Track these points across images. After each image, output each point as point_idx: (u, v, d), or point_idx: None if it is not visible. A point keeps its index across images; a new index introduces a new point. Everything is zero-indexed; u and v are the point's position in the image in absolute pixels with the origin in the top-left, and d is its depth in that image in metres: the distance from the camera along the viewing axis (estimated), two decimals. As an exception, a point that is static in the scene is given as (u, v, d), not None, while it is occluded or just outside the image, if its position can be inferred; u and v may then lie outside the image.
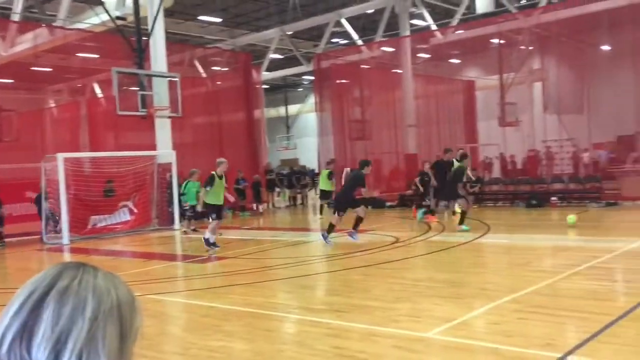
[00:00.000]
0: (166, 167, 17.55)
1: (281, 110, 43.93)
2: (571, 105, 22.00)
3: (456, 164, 15.33)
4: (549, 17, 20.74)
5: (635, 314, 5.86)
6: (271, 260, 11.03)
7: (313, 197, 25.71)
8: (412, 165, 23.48)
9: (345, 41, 31.23)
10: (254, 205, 21.61)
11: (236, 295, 8.03)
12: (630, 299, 6.57)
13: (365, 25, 28.49)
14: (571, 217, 13.00)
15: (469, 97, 27.71)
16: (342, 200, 12.19)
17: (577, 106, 21.85)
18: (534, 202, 18.24)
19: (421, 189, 17.07)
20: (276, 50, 31.67)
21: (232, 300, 7.63)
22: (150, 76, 17.06)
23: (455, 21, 24.83)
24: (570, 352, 4.81)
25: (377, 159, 25.56)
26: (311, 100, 34.88)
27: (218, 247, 11.83)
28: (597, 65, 22.32)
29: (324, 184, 19.23)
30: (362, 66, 26.54)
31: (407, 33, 25.37)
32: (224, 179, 11.96)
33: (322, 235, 12.04)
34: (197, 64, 24.06)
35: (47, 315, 0.90)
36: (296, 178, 24.77)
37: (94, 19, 19.33)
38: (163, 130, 17.85)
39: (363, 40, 27.76)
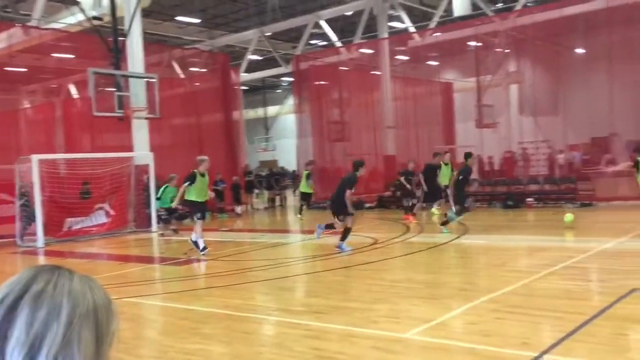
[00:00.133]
0: (143, 169, 17.39)
1: (260, 112, 43.82)
2: (546, 107, 22.32)
3: (444, 167, 15.50)
4: (525, 20, 21.01)
5: (609, 313, 5.96)
6: (250, 262, 10.99)
7: (292, 198, 25.68)
8: (391, 167, 23.61)
9: (324, 43, 31.30)
10: (234, 207, 21.52)
11: (214, 298, 7.98)
12: (605, 298, 6.67)
13: (344, 27, 28.57)
14: (568, 216, 12.96)
15: (447, 99, 27.94)
16: (338, 203, 11.43)
17: (552, 108, 22.18)
18: (510, 203, 18.46)
19: (408, 186, 17.19)
20: (255, 52, 31.61)
21: (210, 303, 7.59)
22: (127, 77, 16.89)
23: (433, 24, 25.03)
24: (546, 351, 4.87)
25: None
26: (290, 101, 34.89)
27: (207, 249, 11.45)
28: (572, 68, 22.67)
29: (303, 185, 19.35)
30: (341, 68, 26.60)
31: (386, 35, 25.50)
32: (206, 176, 11.72)
33: (338, 247, 11.17)
34: (175, 64, 23.89)
35: (21, 319, 0.88)
36: (275, 179, 24.73)
37: (70, 19, 19.09)
38: (140, 132, 17.68)
39: (342, 42, 27.84)
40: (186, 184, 11.44)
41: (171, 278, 10.03)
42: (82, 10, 17.37)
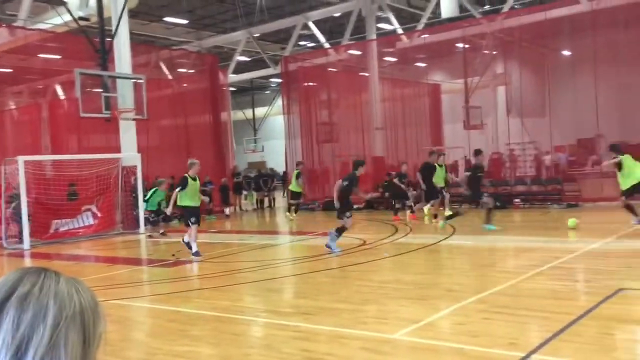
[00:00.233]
0: (131, 170, 17.29)
1: (248, 113, 43.72)
2: (533, 109, 22.48)
3: (438, 169, 15.53)
4: (512, 22, 21.15)
5: (595, 313, 6.01)
6: (238, 263, 10.96)
7: (281, 199, 25.66)
8: (379, 168, 23.66)
9: (313, 44, 31.31)
10: (223, 209, 21.46)
11: (202, 300, 7.96)
12: (591, 298, 6.73)
13: (333, 28, 28.61)
14: (572, 220, 12.83)
15: (435, 101, 28.06)
16: (345, 201, 11.27)
17: (539, 110, 22.34)
18: (497, 203, 18.54)
19: (403, 186, 17.21)
20: (243, 53, 31.55)
21: (199, 305, 7.56)
22: (114, 78, 16.80)
23: (420, 25, 25.13)
24: (533, 351, 4.90)
25: (344, 162, 25.69)
26: (278, 102, 34.81)
27: (200, 256, 11.31)
28: (558, 70, 22.85)
29: (293, 185, 19.42)
30: (330, 69, 26.63)
31: (374, 37, 25.56)
32: (197, 180, 11.61)
33: (328, 245, 11.07)
34: (162, 65, 23.79)
35: (7, 322, 0.88)
36: (263, 181, 24.70)
37: (56, 19, 18.94)
38: (128, 133, 17.59)
39: (330, 44, 27.87)
40: (178, 189, 11.30)
41: (159, 280, 9.98)
42: (69, 11, 17.25)
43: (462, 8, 23.96)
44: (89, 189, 17.01)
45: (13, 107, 27.30)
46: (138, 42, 24.25)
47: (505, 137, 22.47)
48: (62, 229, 16.25)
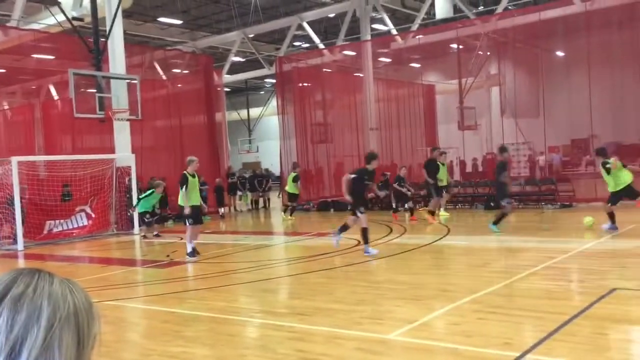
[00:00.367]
0: (125, 171, 17.25)
1: (243, 113, 43.68)
2: (527, 109, 22.56)
3: (441, 167, 15.46)
4: (506, 23, 21.22)
5: (589, 313, 6.03)
6: (233, 264, 10.95)
7: (277, 200, 25.65)
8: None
9: (307, 44, 31.32)
10: (217, 209, 21.43)
11: (197, 300, 7.94)
12: (585, 298, 6.76)
13: (327, 29, 28.63)
14: (588, 219, 12.70)
15: (429, 101, 28.10)
16: (357, 198, 10.69)
17: (533, 110, 22.41)
18: (492, 204, 18.60)
19: (403, 190, 17.12)
20: (238, 53, 31.54)
21: (193, 306, 7.55)
22: (108, 78, 16.75)
23: (415, 26, 25.17)
24: (527, 351, 4.92)
25: (339, 162, 25.71)
26: (273, 103, 34.83)
27: (197, 255, 11.26)
28: (552, 70, 22.96)
29: (290, 187, 19.44)
30: (324, 69, 26.64)
31: (368, 37, 25.59)
32: (197, 178, 11.52)
33: (365, 251, 10.55)
34: (157, 66, 23.73)
35: (0, 323, 0.87)
36: (258, 181, 24.67)
37: (50, 20, 18.87)
38: (122, 134, 17.54)
39: (325, 44, 27.88)
40: (183, 188, 11.08)
41: (153, 281, 9.96)
42: (63, 11, 17.18)
43: (456, 9, 24.03)
44: (83, 190, 16.95)
45: (6, 107, 27.19)
46: (132, 43, 24.20)
47: (499, 137, 22.52)
48: (55, 230, 16.19)
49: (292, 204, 19.68)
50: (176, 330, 6.37)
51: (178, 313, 7.13)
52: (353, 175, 10.69)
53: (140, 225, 16.42)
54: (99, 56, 16.86)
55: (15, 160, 14.87)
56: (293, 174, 19.67)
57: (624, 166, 11.97)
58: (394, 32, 26.28)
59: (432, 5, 24.24)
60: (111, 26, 17.03)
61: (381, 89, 25.80)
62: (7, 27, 19.50)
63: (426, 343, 5.42)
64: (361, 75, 25.46)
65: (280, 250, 13.34)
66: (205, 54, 28.42)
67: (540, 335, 5.33)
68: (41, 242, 15.42)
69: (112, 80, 16.79)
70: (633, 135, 20.16)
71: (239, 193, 24.54)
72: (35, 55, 21.84)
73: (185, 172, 11.26)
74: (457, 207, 19.40)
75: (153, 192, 15.43)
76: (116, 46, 17.30)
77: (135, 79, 17.00)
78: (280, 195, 25.02)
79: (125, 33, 18.41)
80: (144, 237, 15.53)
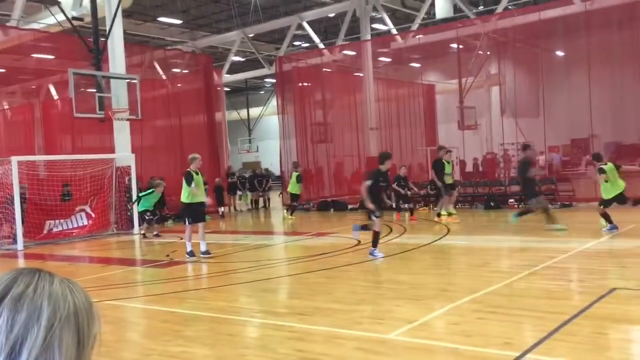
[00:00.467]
0: (125, 171, 17.25)
1: (243, 113, 43.68)
2: (527, 109, 22.54)
3: (446, 165, 15.38)
4: (506, 23, 21.21)
5: (589, 313, 6.03)
6: (233, 264, 10.95)
7: (277, 200, 25.65)
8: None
9: (307, 44, 31.32)
10: (217, 209, 21.43)
11: (197, 300, 7.94)
12: (585, 297, 6.76)
13: (327, 28, 28.63)
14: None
15: (429, 101, 28.09)
16: (373, 201, 10.27)
17: (533, 110, 22.40)
18: (492, 204, 18.61)
19: (402, 191, 17.02)
20: (237, 53, 31.53)
21: (193, 305, 7.55)
22: (108, 78, 16.75)
23: (415, 26, 25.17)
24: (527, 351, 4.92)
25: (339, 162, 25.72)
26: (273, 103, 34.84)
27: (195, 257, 11.20)
28: (552, 70, 22.95)
29: (293, 187, 19.50)
30: (324, 69, 26.63)
31: (368, 37, 25.59)
32: (200, 175, 11.43)
33: (370, 252, 10.38)
34: (156, 65, 23.73)
35: (0, 323, 0.87)
36: (258, 181, 24.67)
37: (50, 19, 18.87)
38: (122, 133, 17.54)
39: (325, 44, 27.88)
40: (192, 185, 11.01)
41: (153, 280, 9.96)
42: (63, 11, 17.18)
43: (456, 8, 24.02)
44: (82, 190, 16.95)
45: (6, 107, 27.18)
46: (132, 42, 24.20)
47: (499, 137, 22.53)
48: (55, 230, 16.19)
49: (294, 203, 19.78)
50: (176, 330, 6.37)
51: (178, 313, 7.13)
52: (369, 182, 10.31)
53: (140, 224, 16.41)
54: (98, 56, 16.86)
55: (15, 160, 14.87)
56: (296, 174, 19.71)
57: (618, 167, 11.94)
58: (394, 31, 26.27)
59: (432, 5, 24.23)
60: (111, 26, 17.03)
61: (381, 88, 25.80)
62: (7, 26, 19.49)
63: (426, 343, 5.42)
64: (361, 75, 25.46)
65: (280, 250, 13.34)
66: (205, 53, 28.41)
67: (540, 335, 5.33)
68: (41, 242, 15.42)
69: (112, 80, 16.79)
70: (633, 135, 20.16)
71: (239, 193, 24.54)
72: (35, 55, 21.85)
73: (189, 169, 11.21)
74: (457, 207, 19.37)
75: (153, 191, 15.43)
76: (116, 46, 17.30)
77: (135, 79, 17.00)
78: (281, 195, 25.03)
79: (125, 33, 18.40)
80: (144, 235, 15.52)
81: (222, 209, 21.68)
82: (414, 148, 25.17)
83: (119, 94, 16.80)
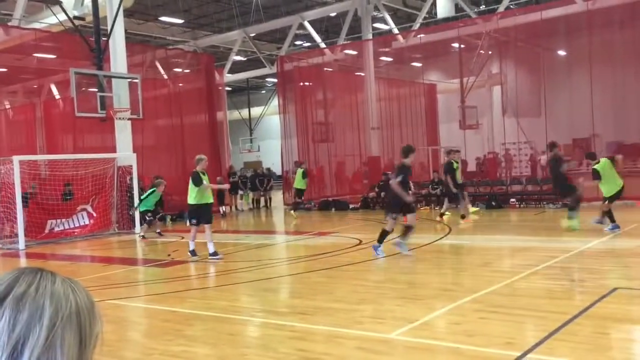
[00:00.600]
0: (127, 170, 17.26)
1: (244, 113, 43.68)
2: (529, 108, 22.51)
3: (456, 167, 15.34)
4: (508, 22, 21.19)
5: (590, 312, 6.03)
6: (234, 263, 10.95)
7: (278, 199, 25.65)
8: (375, 168, 23.68)
9: (309, 44, 31.31)
10: (219, 208, 21.45)
11: (198, 299, 7.95)
12: (586, 297, 6.75)
13: (329, 28, 28.62)
14: (572, 223, 12.53)
15: (431, 100, 28.08)
16: (396, 200, 10.13)
17: (534, 110, 22.37)
18: (493, 203, 18.60)
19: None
20: (239, 52, 31.54)
21: (195, 305, 7.55)
22: (109, 77, 16.76)
23: (416, 25, 25.16)
24: (529, 351, 4.91)
25: (340, 162, 25.72)
26: (274, 102, 34.82)
27: (197, 256, 11.15)
28: (553, 70, 22.91)
29: (298, 182, 19.55)
30: (325, 69, 26.63)
31: (370, 36, 25.58)
32: (206, 175, 11.38)
33: (373, 247, 10.37)
34: (158, 65, 23.74)
35: (3, 322, 0.87)
36: (259, 180, 24.68)
37: (52, 19, 18.89)
38: (123, 133, 17.54)
39: (326, 43, 27.87)
40: (204, 184, 10.94)
41: (155, 280, 9.96)
42: (64, 10, 17.19)
43: (457, 8, 24.01)
44: (84, 189, 16.96)
45: (8, 106, 27.21)
46: (134, 42, 24.21)
47: (500, 136, 22.51)
48: (57, 229, 16.21)
49: (298, 199, 19.86)
50: (177, 329, 6.37)
51: (179, 312, 7.13)
52: (400, 178, 9.98)
53: (141, 224, 16.39)
54: (100, 55, 16.87)
55: (16, 159, 14.88)
56: (301, 170, 19.80)
57: (613, 160, 11.88)
58: (396, 31, 26.26)
59: (434, 4, 24.22)
60: (112, 25, 17.04)
61: (382, 88, 25.80)
62: (9, 26, 19.51)
63: (427, 342, 5.42)
64: (362, 74, 25.45)
65: (281, 250, 13.34)
66: (207, 53, 28.42)
67: (542, 334, 5.33)
68: (43, 241, 15.43)
69: (113, 80, 16.80)
70: (634, 134, 20.12)
71: (240, 192, 24.55)
72: (36, 55, 21.86)
73: (196, 170, 11.15)
74: (458, 206, 19.38)
75: (154, 190, 15.43)
76: (117, 45, 17.31)
77: (136, 78, 17.00)
78: (283, 194, 25.03)
79: (126, 32, 18.40)
80: (143, 237, 15.38)
81: (223, 208, 21.69)
82: (415, 147, 25.11)
83: (120, 94, 16.81)
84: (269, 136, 43.21)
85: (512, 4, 22.63)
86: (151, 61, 23.16)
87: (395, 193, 10.03)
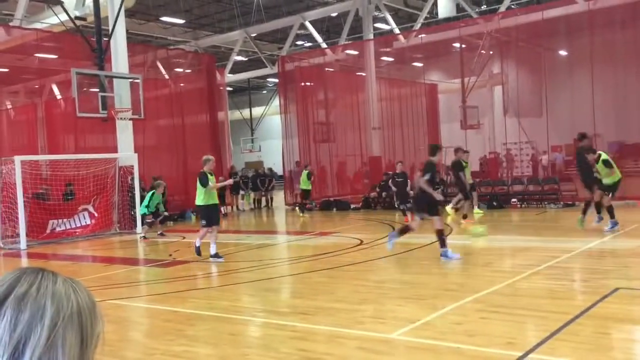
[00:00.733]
0: (128, 170, 17.28)
1: (245, 113, 43.71)
2: (530, 108, 22.51)
3: (464, 163, 15.23)
4: (509, 22, 21.19)
5: (592, 312, 6.02)
6: (235, 263, 10.95)
7: (280, 199, 25.65)
8: (376, 168, 23.68)
9: (310, 44, 31.32)
10: (221, 208, 21.46)
11: (200, 299, 7.95)
12: (588, 297, 6.75)
13: (330, 28, 28.64)
14: (476, 229, 12.53)
15: (432, 100, 28.09)
16: (421, 199, 9.92)
17: (535, 109, 22.37)
18: (494, 203, 18.59)
19: (394, 189, 16.91)
20: (240, 52, 31.56)
21: (196, 305, 7.55)
22: (111, 77, 16.77)
23: (418, 25, 25.15)
24: (530, 351, 4.91)
25: (341, 162, 25.72)
26: (275, 102, 34.85)
27: (200, 256, 11.08)
28: (555, 70, 22.90)
29: (304, 183, 19.64)
30: (327, 69, 26.64)
31: (371, 36, 25.58)
32: (214, 176, 11.30)
33: (390, 235, 10.33)
34: (159, 65, 23.76)
35: (4, 322, 0.88)
36: (261, 181, 24.69)
37: (53, 19, 18.91)
38: (124, 133, 17.56)
39: (327, 43, 27.88)
40: (210, 184, 10.86)
41: (156, 280, 9.97)
42: (66, 10, 17.20)
43: (459, 8, 24.00)
44: (85, 189, 16.98)
45: (9, 106, 27.24)
46: (135, 42, 24.24)
47: (502, 136, 22.51)
48: (58, 229, 16.22)
49: (304, 200, 19.95)
50: (179, 329, 6.37)
51: (181, 312, 7.14)
52: (428, 177, 9.75)
53: (142, 225, 16.40)
54: (101, 55, 16.89)
55: (18, 159, 14.90)
56: (306, 171, 19.93)
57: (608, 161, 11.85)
58: (397, 31, 26.26)
59: (435, 4, 24.21)
60: (114, 25, 17.06)
61: (384, 88, 25.80)
62: (10, 26, 19.54)
63: (429, 342, 5.41)
64: (364, 74, 25.45)
65: (283, 250, 13.35)
66: (208, 53, 28.44)
67: (543, 334, 5.33)
68: (44, 241, 15.45)
69: (114, 80, 16.81)
70: (636, 134, 20.10)
71: (242, 192, 24.55)
72: (38, 55, 21.89)
73: (203, 170, 11.10)
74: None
75: (153, 193, 15.41)
76: (119, 45, 17.32)
77: (137, 78, 17.02)
78: (285, 194, 25.04)
79: (127, 32, 18.42)
80: (144, 237, 15.35)
81: (224, 208, 21.69)
82: (416, 147, 25.15)
83: (121, 94, 16.82)
84: (270, 136, 43.24)
85: (513, 4, 22.63)
86: (152, 61, 23.17)
87: (422, 192, 9.85)
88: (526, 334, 5.66)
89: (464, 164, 15.21)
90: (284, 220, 20.53)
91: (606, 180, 11.78)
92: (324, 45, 27.58)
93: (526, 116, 21.86)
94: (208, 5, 27.29)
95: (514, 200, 18.83)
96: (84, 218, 16.79)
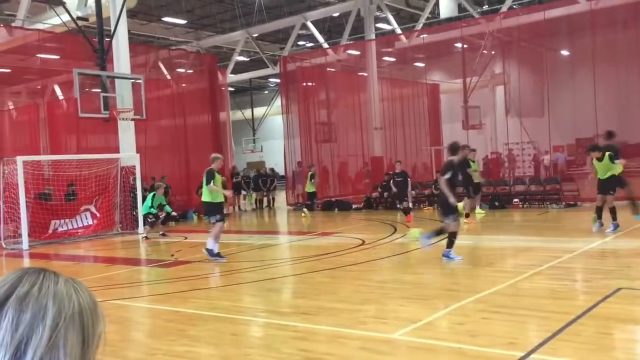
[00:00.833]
0: (130, 170, 17.29)
1: (247, 113, 43.70)
2: (532, 108, 22.50)
3: (472, 165, 15.11)
4: (511, 22, 21.17)
5: (594, 313, 6.02)
6: (237, 263, 10.95)
7: (281, 199, 25.66)
8: (378, 168, 23.67)
9: (312, 44, 31.32)
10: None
11: (201, 300, 7.95)
12: (590, 297, 6.74)
13: (331, 28, 28.65)
14: (414, 231, 12.27)
15: (434, 100, 28.08)
16: (444, 200, 9.65)
17: (537, 110, 22.36)
18: (496, 203, 18.57)
19: (394, 189, 16.88)
20: (242, 53, 31.57)
21: (198, 305, 7.55)
22: (113, 78, 16.79)
23: (419, 25, 25.15)
24: (532, 351, 4.91)
25: (343, 162, 25.71)
26: (277, 102, 34.85)
27: (224, 258, 10.94)
28: (556, 69, 22.88)
29: (308, 185, 19.74)
30: (328, 69, 26.65)
31: (373, 37, 25.58)
32: (220, 175, 11.26)
33: (445, 255, 9.66)
34: (161, 65, 23.77)
35: (6, 322, 0.88)
36: (262, 181, 24.70)
37: (55, 19, 18.93)
38: (126, 133, 17.57)
39: (329, 44, 27.88)
40: (210, 185, 10.82)
41: (158, 280, 9.98)
42: (67, 11, 17.22)
43: (460, 8, 23.99)
44: (87, 189, 17.00)
45: (11, 107, 27.27)
46: (137, 42, 24.25)
47: (503, 137, 22.50)
48: (60, 229, 16.25)
49: (308, 202, 20.11)
50: (181, 329, 6.38)
51: (182, 312, 7.14)
52: (448, 176, 9.49)
53: (144, 225, 16.39)
54: (103, 56, 16.91)
55: (20, 159, 14.92)
56: (310, 173, 20.02)
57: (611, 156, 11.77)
58: (398, 31, 26.26)
59: (437, 4, 24.19)
60: (116, 26, 17.07)
61: (385, 88, 25.80)
62: (12, 26, 19.56)
63: (430, 342, 5.41)
64: (365, 74, 25.45)
65: (285, 250, 13.35)
66: (210, 53, 28.45)
67: (545, 335, 5.32)
68: (46, 242, 15.47)
69: (116, 80, 16.83)
70: (638, 134, 20.07)
71: (244, 192, 24.57)
72: (40, 55, 21.91)
73: (211, 167, 10.99)
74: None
75: (154, 194, 15.42)
76: (121, 46, 17.34)
77: (139, 79, 17.03)
78: (287, 195, 25.04)
79: (129, 33, 18.44)
80: (146, 238, 15.34)
81: (226, 208, 21.70)
82: (418, 148, 25.15)
83: (123, 94, 16.84)
84: (272, 136, 43.21)
85: (515, 4, 22.60)
86: (154, 62, 23.18)
87: (452, 189, 9.62)
88: (528, 334, 5.65)
89: (470, 161, 15.15)
90: (286, 221, 20.54)
91: (617, 170, 11.61)
92: (325, 45, 27.59)
93: (528, 116, 21.84)
94: (210, 5, 27.30)
95: (515, 200, 18.80)
96: (86, 218, 16.81)
